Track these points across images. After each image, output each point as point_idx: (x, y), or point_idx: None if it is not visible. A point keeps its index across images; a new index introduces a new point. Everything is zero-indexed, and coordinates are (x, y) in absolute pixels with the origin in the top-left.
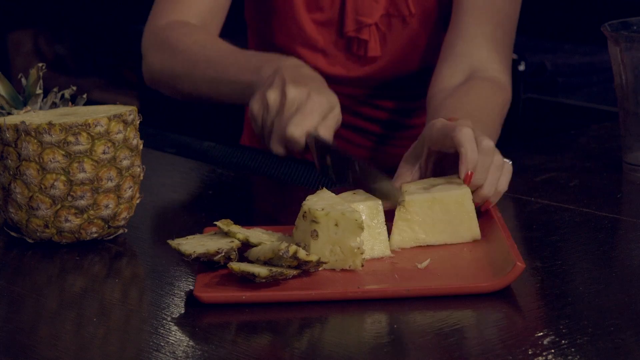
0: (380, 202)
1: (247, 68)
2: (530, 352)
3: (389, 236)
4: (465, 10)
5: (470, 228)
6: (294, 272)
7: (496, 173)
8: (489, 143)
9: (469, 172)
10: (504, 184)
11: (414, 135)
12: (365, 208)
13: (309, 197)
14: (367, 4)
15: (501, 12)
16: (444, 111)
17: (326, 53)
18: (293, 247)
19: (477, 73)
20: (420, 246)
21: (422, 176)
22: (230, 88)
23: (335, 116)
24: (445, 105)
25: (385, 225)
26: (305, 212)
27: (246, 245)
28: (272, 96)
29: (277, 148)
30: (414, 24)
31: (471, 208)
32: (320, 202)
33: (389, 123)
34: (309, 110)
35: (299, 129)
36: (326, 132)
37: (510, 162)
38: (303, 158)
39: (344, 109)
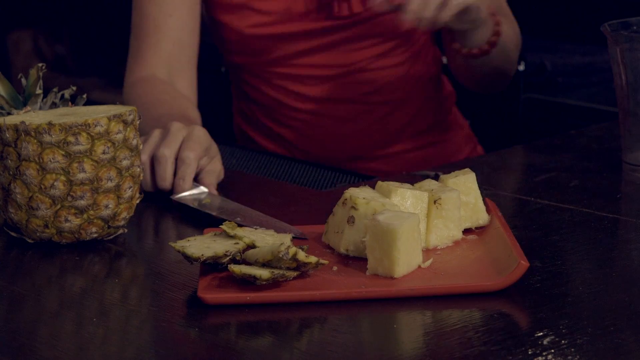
0: (426, 194)
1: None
2: (530, 352)
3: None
4: None
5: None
6: (294, 273)
7: None
8: None
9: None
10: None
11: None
12: (411, 195)
13: (351, 188)
14: None
15: None
16: None
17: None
18: (293, 249)
19: None
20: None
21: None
22: None
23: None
24: None
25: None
26: (345, 199)
27: (249, 246)
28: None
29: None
30: None
31: (477, 189)
32: (362, 193)
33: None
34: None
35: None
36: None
37: None
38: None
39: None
